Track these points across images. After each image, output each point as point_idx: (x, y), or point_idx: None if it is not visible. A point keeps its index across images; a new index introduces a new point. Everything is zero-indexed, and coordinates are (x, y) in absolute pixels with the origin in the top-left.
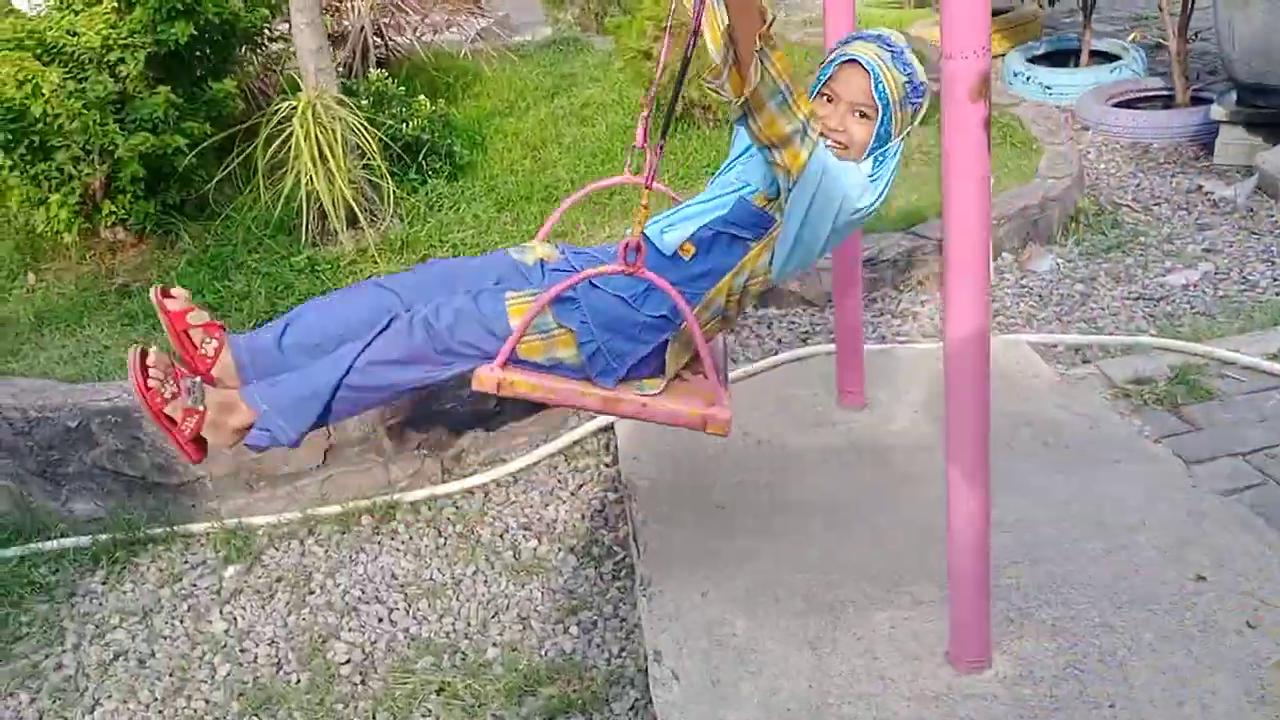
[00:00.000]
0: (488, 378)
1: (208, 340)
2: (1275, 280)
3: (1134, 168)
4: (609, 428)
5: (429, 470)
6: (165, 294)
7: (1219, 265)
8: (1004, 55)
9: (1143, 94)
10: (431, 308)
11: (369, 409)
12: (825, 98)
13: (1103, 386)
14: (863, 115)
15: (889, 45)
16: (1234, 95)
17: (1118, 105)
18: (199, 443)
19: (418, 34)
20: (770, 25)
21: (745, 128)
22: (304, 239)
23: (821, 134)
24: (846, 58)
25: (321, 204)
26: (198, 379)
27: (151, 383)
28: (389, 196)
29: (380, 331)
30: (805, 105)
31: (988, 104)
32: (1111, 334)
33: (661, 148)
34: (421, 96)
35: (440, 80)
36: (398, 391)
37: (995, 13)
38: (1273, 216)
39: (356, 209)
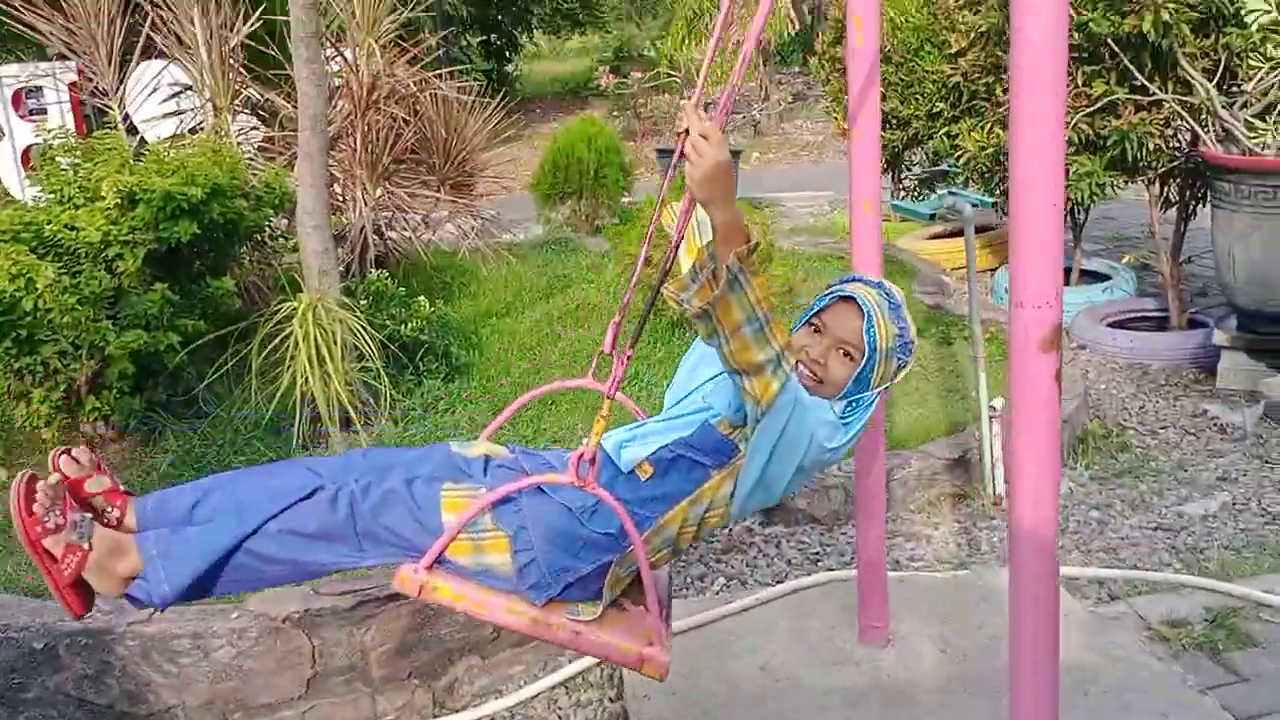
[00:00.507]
0: (410, 579)
1: (109, 509)
2: None
3: (1135, 389)
4: None
5: (419, 702)
6: (65, 453)
7: (1235, 496)
8: (993, 271)
9: (1136, 314)
10: (361, 484)
11: (261, 586)
12: (814, 328)
13: (1136, 627)
14: (847, 355)
15: (889, 296)
16: (1234, 320)
17: (1112, 325)
18: (80, 589)
19: (415, 231)
20: (754, 249)
21: (716, 350)
22: (295, 441)
23: (800, 362)
24: (844, 294)
25: (315, 405)
26: (88, 515)
27: (35, 509)
28: (385, 398)
29: (300, 500)
30: (782, 335)
31: (1059, 355)
32: (1136, 567)
33: (629, 358)
34: (421, 297)
35: (437, 279)
36: (301, 569)
37: (980, 229)
38: None
39: (351, 411)
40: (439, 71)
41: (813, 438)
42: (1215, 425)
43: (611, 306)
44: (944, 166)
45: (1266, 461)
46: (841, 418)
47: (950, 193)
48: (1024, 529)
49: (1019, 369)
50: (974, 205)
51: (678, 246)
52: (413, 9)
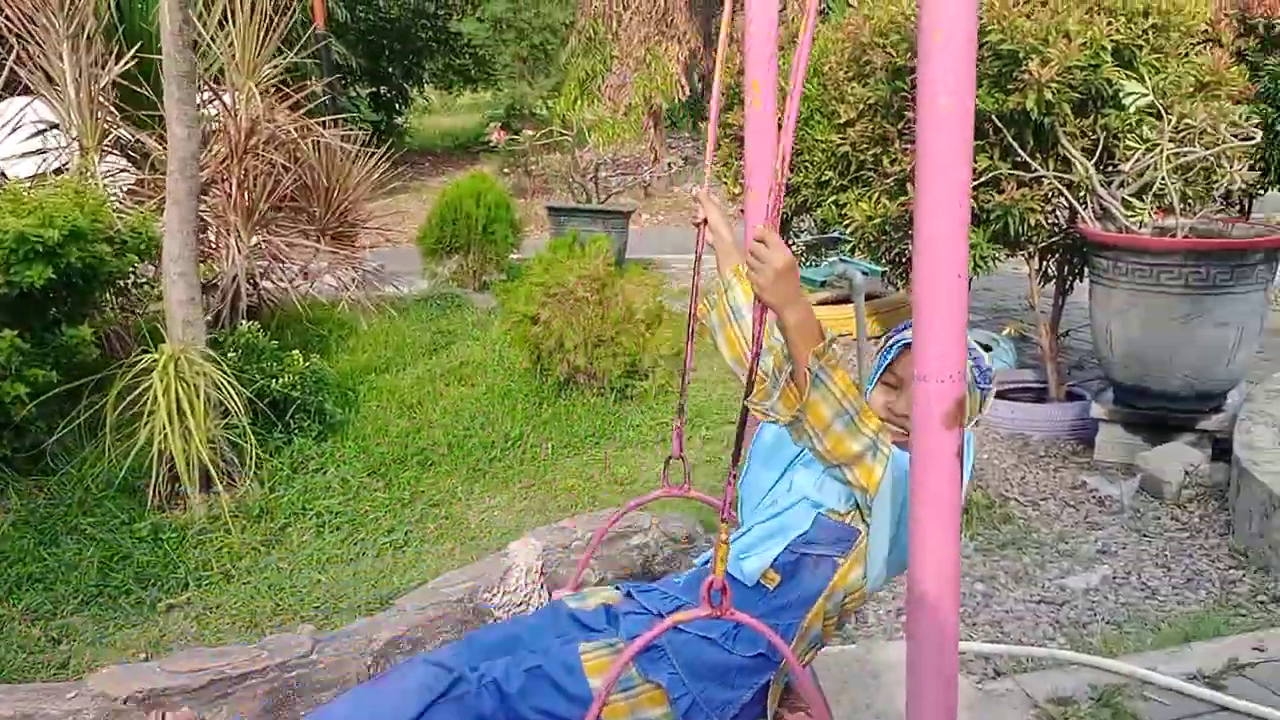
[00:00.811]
0: None
1: None
2: (1174, 588)
3: (1016, 459)
4: None
5: None
6: None
7: (1116, 569)
8: (878, 339)
9: (1017, 385)
10: (500, 669)
11: None
12: (888, 384)
13: (1023, 705)
14: None
15: (974, 354)
16: (1111, 394)
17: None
18: None
19: (292, 283)
20: (830, 344)
21: (810, 449)
22: (150, 502)
23: (887, 421)
24: (908, 342)
25: (174, 464)
26: None
27: None
28: (251, 456)
29: (439, 697)
30: (873, 421)
31: (961, 432)
32: (1021, 642)
33: (734, 478)
34: (295, 351)
35: (314, 333)
36: None
37: (868, 297)
38: (1159, 518)
39: (213, 470)
40: (323, 119)
41: None
42: (1094, 497)
43: (498, 365)
44: (834, 234)
45: (1144, 535)
46: None
47: (841, 260)
48: (926, 603)
49: (922, 444)
50: (864, 274)
51: (757, 356)
52: (297, 54)
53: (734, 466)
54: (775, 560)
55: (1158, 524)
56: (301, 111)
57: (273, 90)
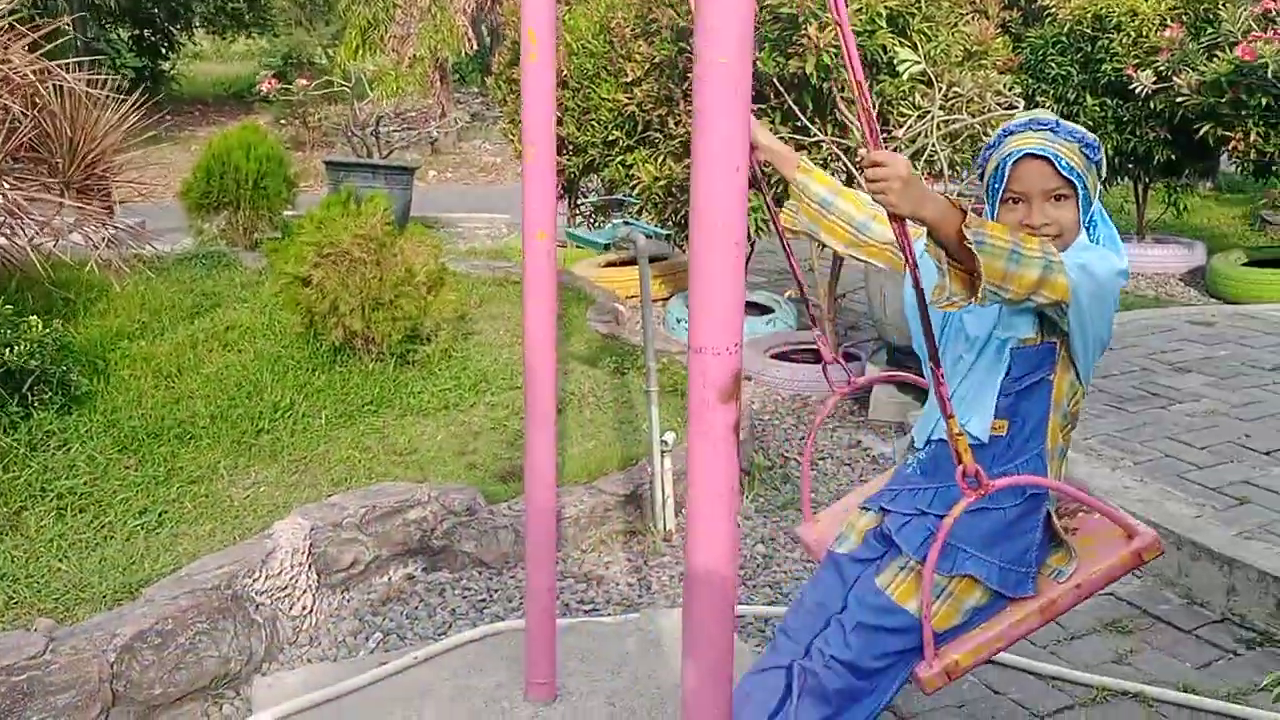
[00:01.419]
0: (934, 678)
1: None
2: None
3: (796, 420)
4: None
5: None
6: None
7: None
8: (666, 301)
9: (796, 347)
10: (831, 642)
11: None
12: (1013, 200)
13: None
14: (1060, 198)
15: (1041, 123)
16: (884, 355)
17: (775, 357)
18: None
19: (32, 241)
20: (969, 210)
21: (1000, 302)
22: None
23: (1029, 233)
24: (1015, 155)
25: None
26: None
27: None
28: None
29: (787, 690)
30: (1031, 240)
31: (738, 406)
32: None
33: (942, 374)
34: (34, 316)
35: (58, 295)
36: None
37: (653, 259)
38: None
39: None
40: (69, 60)
41: (1107, 278)
42: (868, 455)
43: (268, 329)
44: (619, 196)
45: None
46: (1097, 241)
47: (625, 222)
48: (703, 579)
49: (697, 418)
50: (648, 236)
51: (915, 266)
52: None
53: (935, 363)
54: (996, 410)
55: None
56: (41, 52)
57: (7, 28)
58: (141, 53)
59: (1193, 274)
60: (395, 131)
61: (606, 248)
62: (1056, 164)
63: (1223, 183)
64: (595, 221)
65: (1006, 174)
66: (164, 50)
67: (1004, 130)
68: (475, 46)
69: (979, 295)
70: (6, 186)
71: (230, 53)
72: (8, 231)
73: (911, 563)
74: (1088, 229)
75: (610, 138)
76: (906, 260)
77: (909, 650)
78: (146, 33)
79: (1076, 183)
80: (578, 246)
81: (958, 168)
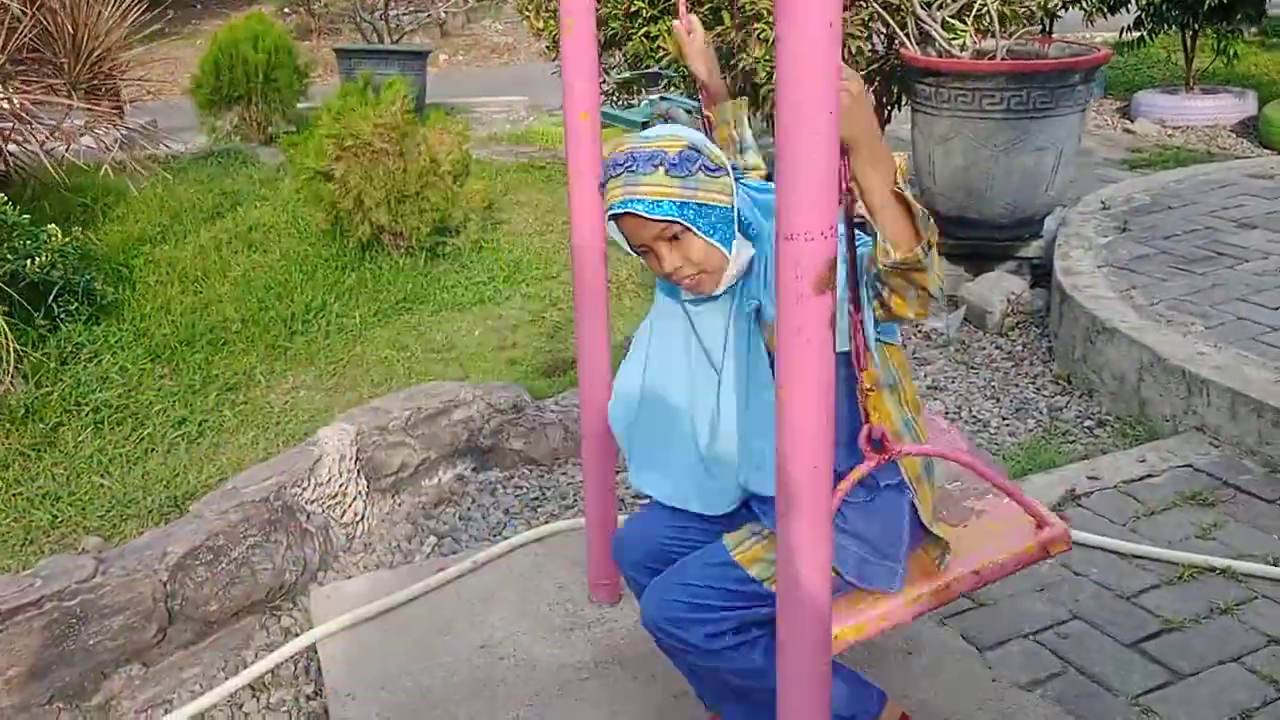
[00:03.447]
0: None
1: None
2: (1004, 419)
3: None
4: (311, 648)
5: None
6: None
7: (947, 404)
8: None
9: None
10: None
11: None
12: (642, 252)
13: None
14: (674, 237)
15: (618, 165)
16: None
17: None
18: None
19: (44, 146)
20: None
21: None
22: None
23: (679, 281)
24: (609, 215)
25: None
26: None
27: None
28: (8, 352)
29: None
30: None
31: (833, 296)
32: None
33: (860, 322)
34: (52, 225)
35: (74, 201)
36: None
37: None
38: (984, 349)
39: None
40: None
41: None
42: (920, 331)
43: (291, 227)
44: (654, 69)
45: (970, 367)
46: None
47: (662, 98)
48: (793, 492)
49: (790, 313)
50: (687, 112)
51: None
52: None
53: (857, 311)
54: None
55: (983, 354)
56: None
57: None
58: None
59: (1244, 124)
60: (404, 14)
61: (643, 125)
62: (644, 214)
63: (1268, 27)
64: (618, 99)
65: (619, 230)
66: None
67: (600, 182)
68: None
69: (916, 254)
70: (11, 90)
71: None
72: (18, 138)
73: (765, 530)
74: (745, 233)
75: (633, 8)
76: (841, 199)
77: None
78: None
79: (678, 218)
80: (607, 125)
81: (1008, 23)
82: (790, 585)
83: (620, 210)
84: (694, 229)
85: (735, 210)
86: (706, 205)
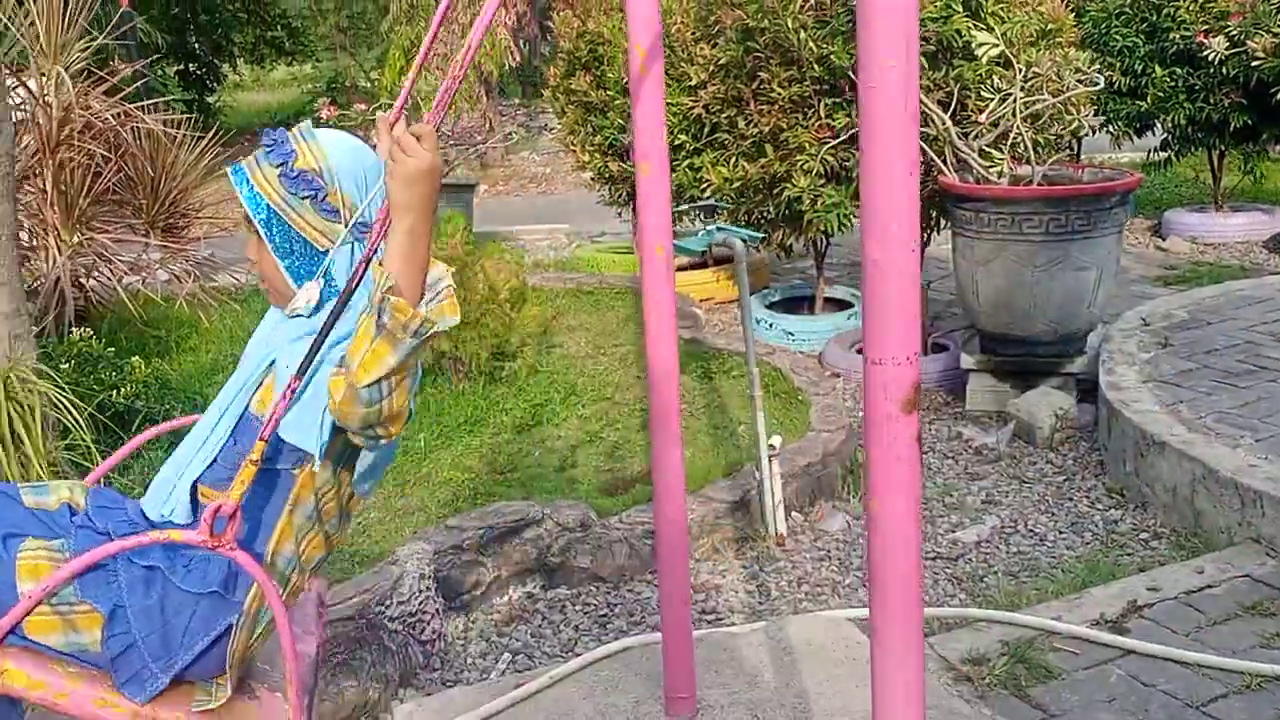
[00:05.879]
0: None
1: None
2: (1060, 533)
3: None
4: None
5: None
6: None
7: (1003, 519)
8: (735, 302)
9: None
10: None
11: None
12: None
13: (939, 668)
14: (257, 234)
15: (269, 136)
16: (978, 343)
17: (861, 351)
18: None
19: (122, 281)
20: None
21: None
22: None
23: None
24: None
25: None
26: None
27: None
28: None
29: None
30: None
31: (918, 416)
32: (926, 603)
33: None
34: (135, 357)
35: (151, 334)
36: None
37: (719, 261)
38: (1035, 464)
39: None
40: (140, 104)
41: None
42: (970, 447)
43: None
44: (711, 201)
45: (1024, 481)
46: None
47: (719, 228)
48: (888, 600)
49: (879, 432)
50: (744, 241)
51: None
52: (107, 35)
53: (297, 379)
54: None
55: (1035, 469)
56: (117, 96)
57: (82, 74)
58: (187, 87)
59: (1275, 240)
60: (448, 148)
61: (702, 254)
62: (241, 199)
63: None
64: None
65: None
66: (208, 83)
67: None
68: (518, 59)
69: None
70: (94, 231)
71: (270, 80)
72: (99, 274)
73: (65, 556)
74: (328, 284)
75: (676, 142)
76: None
77: None
78: (191, 67)
79: (260, 224)
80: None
81: (1040, 149)
82: None
83: (233, 177)
84: (266, 243)
85: (329, 261)
86: (295, 230)
